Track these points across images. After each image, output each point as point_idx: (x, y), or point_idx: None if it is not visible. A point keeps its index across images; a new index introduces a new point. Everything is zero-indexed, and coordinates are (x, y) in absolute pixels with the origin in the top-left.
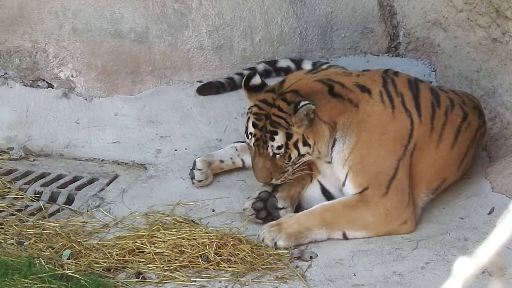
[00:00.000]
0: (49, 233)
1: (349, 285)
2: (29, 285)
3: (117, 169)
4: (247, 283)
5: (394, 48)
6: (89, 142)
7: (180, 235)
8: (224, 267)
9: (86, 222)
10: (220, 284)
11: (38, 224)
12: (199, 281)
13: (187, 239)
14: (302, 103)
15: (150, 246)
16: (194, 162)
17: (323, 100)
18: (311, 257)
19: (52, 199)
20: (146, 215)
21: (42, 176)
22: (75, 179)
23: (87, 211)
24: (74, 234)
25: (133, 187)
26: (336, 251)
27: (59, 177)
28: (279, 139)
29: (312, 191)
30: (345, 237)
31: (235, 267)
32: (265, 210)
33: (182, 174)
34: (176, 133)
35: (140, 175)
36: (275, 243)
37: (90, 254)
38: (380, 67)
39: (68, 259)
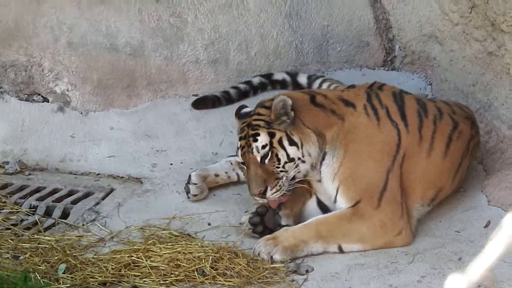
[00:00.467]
0: (45, 247)
1: None
2: None
3: (113, 183)
4: None
5: (390, 62)
6: (85, 156)
7: (176, 249)
8: (220, 281)
9: (82, 236)
10: None
11: (33, 238)
12: None
13: (183, 253)
14: (277, 96)
15: (146, 260)
16: (189, 176)
17: (305, 107)
18: (307, 271)
19: (48, 213)
20: (141, 229)
21: (38, 190)
22: (70, 193)
23: (83, 225)
24: (69, 248)
25: (129, 201)
26: (332, 264)
27: (55, 191)
28: (262, 139)
29: (309, 204)
30: (341, 250)
31: (231, 281)
32: (262, 225)
33: (178, 188)
34: (172, 147)
35: (135, 189)
36: (271, 256)
37: (86, 268)
38: (376, 80)
39: (64, 273)
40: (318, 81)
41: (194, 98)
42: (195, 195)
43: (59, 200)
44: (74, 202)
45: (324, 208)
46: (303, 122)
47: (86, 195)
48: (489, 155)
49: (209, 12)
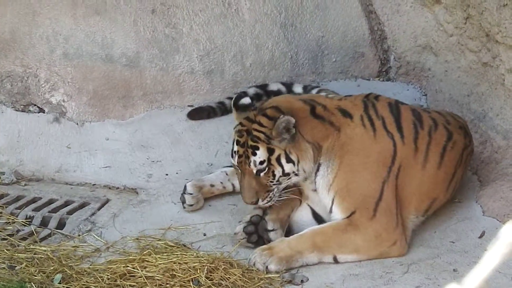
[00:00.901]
0: (41, 257)
1: None
2: None
3: (109, 194)
4: None
5: (385, 72)
6: (81, 166)
7: (171, 259)
8: None
9: (78, 247)
10: None
11: (29, 249)
12: None
13: (178, 263)
14: (281, 116)
15: (142, 270)
16: (185, 186)
17: (305, 119)
18: (302, 281)
19: (44, 223)
20: (137, 239)
21: (34, 200)
22: (66, 204)
23: (79, 235)
24: (65, 259)
25: (124, 211)
26: (327, 275)
27: (51, 201)
28: (261, 154)
29: (303, 215)
30: (336, 261)
31: None
32: (257, 234)
33: (173, 198)
34: (167, 157)
35: (131, 199)
36: (266, 267)
37: (82, 278)
38: (371, 91)
39: (60, 283)
40: (313, 92)
41: (190, 108)
42: (191, 205)
43: (55, 210)
44: (70, 213)
45: (319, 218)
46: (302, 135)
47: (82, 205)
48: (484, 166)
49: (205, 23)
